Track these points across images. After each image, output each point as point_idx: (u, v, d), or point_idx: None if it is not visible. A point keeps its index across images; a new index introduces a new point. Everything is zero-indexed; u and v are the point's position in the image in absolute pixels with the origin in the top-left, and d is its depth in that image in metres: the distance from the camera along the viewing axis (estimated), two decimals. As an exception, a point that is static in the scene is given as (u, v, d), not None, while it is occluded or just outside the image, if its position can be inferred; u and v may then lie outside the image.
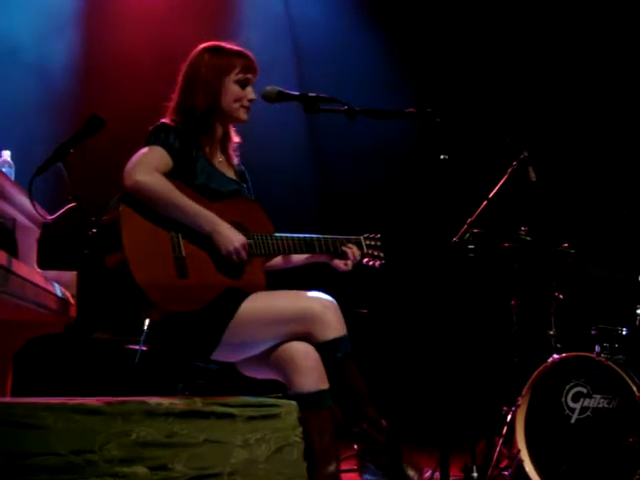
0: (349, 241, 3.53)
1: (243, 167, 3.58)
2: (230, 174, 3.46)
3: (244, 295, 3.17)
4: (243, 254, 3.20)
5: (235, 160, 3.52)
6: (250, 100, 3.39)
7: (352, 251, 3.50)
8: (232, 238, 3.18)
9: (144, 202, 3.12)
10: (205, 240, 3.19)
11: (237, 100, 3.37)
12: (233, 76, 3.36)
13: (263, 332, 3.14)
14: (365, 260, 3.60)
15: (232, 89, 3.36)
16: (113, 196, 3.20)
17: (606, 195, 6.22)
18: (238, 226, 3.25)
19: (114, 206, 3.16)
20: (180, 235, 3.17)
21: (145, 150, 3.20)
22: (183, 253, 3.15)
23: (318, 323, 3.10)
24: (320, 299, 3.17)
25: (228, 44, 3.43)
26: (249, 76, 3.39)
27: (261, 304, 3.16)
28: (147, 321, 3.07)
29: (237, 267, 3.23)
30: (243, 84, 3.38)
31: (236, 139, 3.51)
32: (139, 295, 3.04)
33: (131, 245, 3.07)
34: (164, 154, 3.20)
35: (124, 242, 3.06)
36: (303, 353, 3.09)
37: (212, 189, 3.29)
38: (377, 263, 3.61)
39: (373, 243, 3.62)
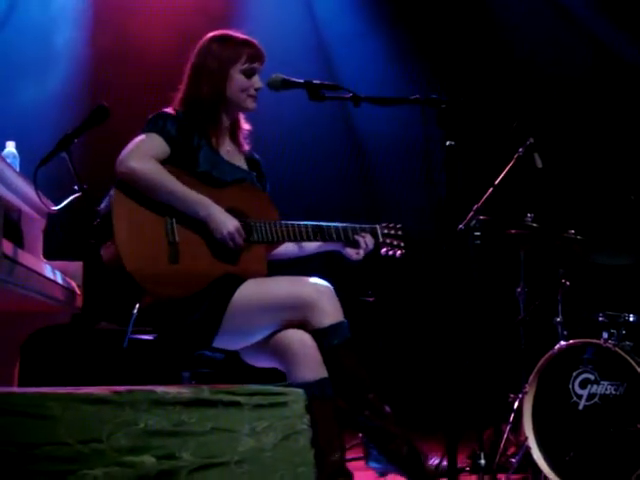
0: (363, 229, 3.49)
1: (257, 155, 3.57)
2: (239, 162, 3.45)
3: (240, 282, 3.15)
4: (238, 239, 3.18)
5: (246, 147, 3.51)
6: (257, 89, 3.39)
7: (365, 240, 3.45)
8: (226, 222, 3.17)
9: (138, 188, 3.12)
10: (200, 226, 3.18)
11: (243, 90, 3.37)
12: (239, 66, 3.36)
13: (258, 319, 3.12)
14: (383, 250, 3.54)
15: (238, 79, 3.36)
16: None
17: (612, 181, 6.21)
18: (237, 213, 3.24)
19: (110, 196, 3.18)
20: (174, 220, 3.16)
21: (141, 137, 3.21)
22: (177, 238, 3.14)
23: (313, 310, 3.07)
24: (315, 285, 3.14)
25: (235, 33, 3.43)
26: (255, 65, 3.39)
27: (255, 290, 3.14)
28: (137, 306, 3.06)
29: (234, 253, 3.22)
30: (249, 73, 3.37)
31: (246, 126, 3.50)
32: (130, 281, 3.04)
33: (122, 231, 3.08)
34: (161, 141, 3.20)
35: (115, 228, 3.07)
36: (299, 342, 3.07)
37: (214, 177, 3.28)
38: (398, 253, 3.55)
39: (392, 232, 3.57)
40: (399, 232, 3.59)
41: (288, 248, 3.57)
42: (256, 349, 3.22)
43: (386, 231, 3.56)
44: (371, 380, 3.10)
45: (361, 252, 3.46)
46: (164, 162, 3.20)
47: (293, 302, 3.10)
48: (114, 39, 6.51)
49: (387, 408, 3.10)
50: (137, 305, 3.05)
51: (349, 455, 3.57)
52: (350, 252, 3.47)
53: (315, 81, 3.14)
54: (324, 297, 3.10)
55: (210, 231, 3.17)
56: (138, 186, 3.12)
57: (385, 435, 3.07)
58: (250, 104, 3.40)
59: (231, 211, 3.22)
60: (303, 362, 3.04)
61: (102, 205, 3.19)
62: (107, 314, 3.31)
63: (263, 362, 3.26)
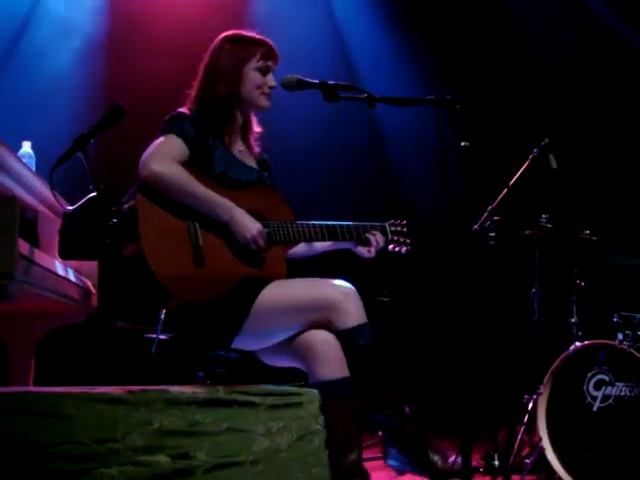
0: (373, 227, 3.50)
1: (265, 156, 3.58)
2: (251, 163, 3.46)
3: (264, 284, 3.16)
4: (261, 242, 3.20)
5: (256, 149, 3.52)
6: (271, 87, 3.39)
7: (376, 238, 3.46)
8: (249, 226, 3.18)
9: (160, 192, 3.13)
10: (223, 229, 3.19)
11: (258, 87, 3.38)
12: (253, 64, 3.37)
13: (282, 321, 3.13)
14: (390, 247, 3.55)
15: (253, 77, 3.36)
16: (133, 185, 3.20)
17: (627, 182, 6.19)
18: (256, 214, 3.25)
19: (131, 196, 3.17)
20: (198, 224, 3.17)
21: (161, 139, 3.21)
22: (200, 242, 3.15)
23: (338, 311, 3.09)
24: (339, 287, 3.16)
25: (249, 32, 3.44)
26: (269, 63, 3.39)
27: (280, 292, 3.15)
28: (164, 311, 3.06)
29: (256, 256, 3.23)
30: (264, 71, 3.38)
31: (257, 129, 3.50)
32: (156, 286, 3.04)
33: (148, 235, 3.08)
34: (180, 143, 3.21)
35: (141, 232, 3.07)
36: (322, 341, 3.08)
37: (231, 178, 3.29)
38: (403, 249, 3.57)
39: (399, 229, 3.58)
40: (405, 229, 3.60)
41: (300, 247, 3.59)
42: (276, 349, 3.22)
43: (393, 228, 3.58)
44: (390, 380, 3.12)
45: (372, 250, 3.47)
46: (184, 164, 3.20)
47: (317, 304, 3.11)
48: (129, 38, 6.52)
49: (407, 409, 3.11)
50: (164, 310, 3.05)
51: (366, 454, 3.57)
52: (362, 250, 3.48)
53: (330, 82, 3.13)
54: (348, 299, 3.11)
55: (232, 234, 3.18)
56: (160, 189, 3.12)
57: (405, 435, 3.08)
58: (264, 102, 3.41)
59: (250, 213, 3.22)
60: (326, 361, 3.05)
61: (125, 206, 3.19)
62: (124, 313, 3.32)
63: (283, 362, 3.26)
